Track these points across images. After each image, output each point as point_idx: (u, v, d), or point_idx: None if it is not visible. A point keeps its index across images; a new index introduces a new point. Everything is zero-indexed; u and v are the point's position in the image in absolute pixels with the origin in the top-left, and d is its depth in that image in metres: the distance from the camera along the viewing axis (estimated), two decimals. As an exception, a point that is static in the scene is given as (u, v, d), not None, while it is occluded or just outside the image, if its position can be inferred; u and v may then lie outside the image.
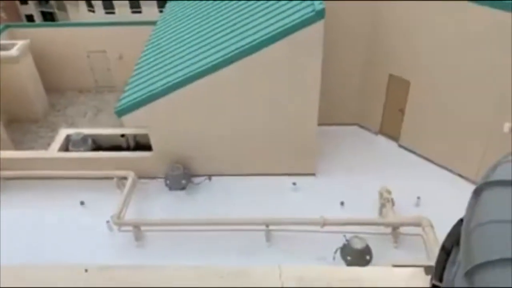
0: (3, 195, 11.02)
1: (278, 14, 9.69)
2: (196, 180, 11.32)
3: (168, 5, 14.00)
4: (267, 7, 10.18)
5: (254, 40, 9.35)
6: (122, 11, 52.21)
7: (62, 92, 18.33)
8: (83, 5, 53.89)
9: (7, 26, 17.90)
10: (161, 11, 16.17)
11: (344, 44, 11.65)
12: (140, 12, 52.20)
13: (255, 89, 10.06)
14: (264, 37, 9.27)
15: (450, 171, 11.37)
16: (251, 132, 10.76)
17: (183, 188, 11.11)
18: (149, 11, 50.25)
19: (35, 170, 11.10)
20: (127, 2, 52.49)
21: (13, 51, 15.68)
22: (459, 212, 3.14)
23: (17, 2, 63.79)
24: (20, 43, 16.15)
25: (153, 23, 14.69)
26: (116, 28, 17.88)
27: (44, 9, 63.94)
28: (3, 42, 16.42)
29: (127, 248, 9.73)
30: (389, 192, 9.95)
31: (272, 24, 9.49)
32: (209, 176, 11.32)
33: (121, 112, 10.32)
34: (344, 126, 12.94)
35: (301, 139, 10.87)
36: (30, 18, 63.91)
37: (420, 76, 11.08)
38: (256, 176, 11.29)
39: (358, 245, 8.92)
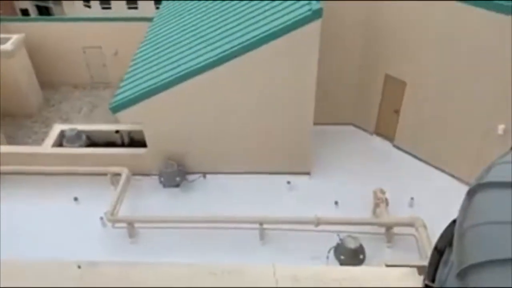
0: (-4, 190, 10.95)
1: (275, 12, 9.67)
2: (191, 177, 11.30)
3: (165, 1, 13.95)
4: (264, 5, 10.17)
5: (251, 38, 9.34)
6: (119, 6, 51.96)
7: (57, 87, 18.22)
8: (79, 0, 53.54)
9: (1, 20, 17.76)
10: (157, 8, 16.10)
11: (341, 44, 11.67)
12: (136, 8, 51.95)
13: (251, 87, 10.05)
14: (260, 36, 9.25)
15: (444, 172, 11.43)
16: (247, 130, 10.75)
17: (177, 186, 11.09)
18: (146, 7, 50.04)
19: (29, 166, 11.03)
20: (124, -3, 52.26)
21: (8, 46, 15.57)
22: (453, 213, 3.15)
23: (12, -4, 63.25)
24: (14, 37, 16.02)
25: (149, 19, 14.61)
26: (112, 24, 17.78)
27: (40, 3, 63.50)
28: (-3, 36, 16.29)
29: (121, 245, 9.71)
30: (383, 192, 9.98)
31: (269, 22, 9.47)
32: (204, 174, 11.31)
33: (115, 108, 10.27)
34: (340, 126, 12.96)
35: (297, 138, 10.88)
36: (25, 12, 63.39)
37: (416, 77, 11.12)
38: (251, 174, 11.29)
39: (351, 244, 8.96)
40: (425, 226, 8.92)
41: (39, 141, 13.75)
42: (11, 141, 15.19)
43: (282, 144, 10.98)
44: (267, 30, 9.26)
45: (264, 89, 10.07)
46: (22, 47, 16.26)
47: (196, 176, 11.29)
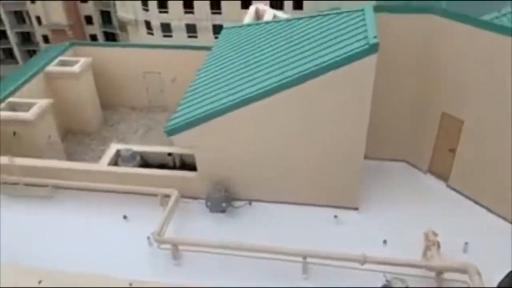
0: (53, 204, 11.51)
1: (332, 45, 9.76)
2: (237, 203, 11.36)
3: (224, 31, 14.44)
4: (321, 38, 10.29)
5: (306, 69, 9.44)
6: (179, 35, 54.40)
7: (116, 108, 19.14)
8: (143, 28, 56.67)
9: (72, 44, 19.05)
10: (216, 37, 16.70)
11: (395, 78, 11.50)
12: (196, 37, 54.26)
13: (303, 117, 10.08)
14: (316, 67, 9.33)
15: (502, 217, 10.78)
16: (297, 160, 10.73)
17: (223, 211, 11.17)
18: (205, 36, 52.11)
19: (85, 182, 11.54)
20: (184, 26, 54.81)
21: (76, 68, 16.62)
22: (510, 261, 2.96)
23: (84, 22, 68.17)
24: (82, 60, 17.10)
25: (208, 48, 15.13)
26: (172, 51, 18.61)
27: (107, 30, 67.91)
28: (67, 58, 17.48)
29: (165, 266, 9.84)
30: (435, 234, 9.53)
31: (325, 54, 9.55)
32: (250, 201, 11.34)
33: (170, 132, 10.61)
34: (392, 162, 12.64)
35: (346, 172, 10.71)
36: (93, 37, 68.05)
37: (475, 116, 10.71)
38: (298, 205, 11.20)
39: (398, 286, 8.55)
40: (479, 274, 8.37)
41: (96, 159, 14.40)
42: (70, 157, 16.03)
43: (331, 177, 10.84)
44: (323, 62, 9.33)
45: (316, 120, 10.07)
46: (89, 70, 17.31)
47: (243, 203, 11.34)
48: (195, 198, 11.43)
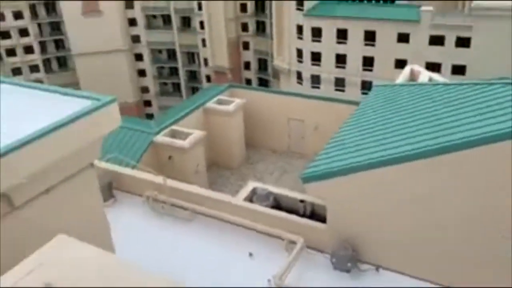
0: (190, 227, 12.35)
1: (496, 116, 8.94)
2: (363, 266, 10.77)
3: (376, 88, 14.33)
4: (486, 107, 9.51)
5: (465, 137, 8.74)
6: (327, 87, 55.80)
7: (258, 148, 20.21)
8: (294, 77, 59.70)
9: (230, 86, 20.95)
10: (364, 93, 16.70)
11: None
12: (343, 91, 55.06)
13: (453, 186, 9.26)
14: (476, 137, 8.59)
15: None
16: (437, 232, 9.81)
17: (347, 271, 10.68)
18: (352, 91, 52.52)
19: (221, 212, 12.19)
20: (333, 79, 56.15)
21: (230, 107, 18.18)
22: None
23: (242, 67, 74.95)
24: (236, 101, 18.66)
25: (353, 103, 15.19)
26: (317, 101, 19.17)
27: (262, 76, 73.25)
28: (224, 98, 19.21)
29: (279, 313, 9.71)
30: None
31: (487, 125, 8.77)
32: (378, 267, 10.65)
33: (306, 179, 10.68)
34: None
35: (492, 254, 9.42)
36: (248, 81, 74.06)
37: None
38: (429, 282, 10.15)
39: None
40: None
41: (233, 192, 15.22)
42: (210, 186, 17.27)
43: (475, 258, 9.63)
44: (485, 132, 8.57)
45: (466, 192, 9.16)
46: (241, 110, 18.76)
47: (370, 266, 10.71)
48: (320, 251, 11.17)
